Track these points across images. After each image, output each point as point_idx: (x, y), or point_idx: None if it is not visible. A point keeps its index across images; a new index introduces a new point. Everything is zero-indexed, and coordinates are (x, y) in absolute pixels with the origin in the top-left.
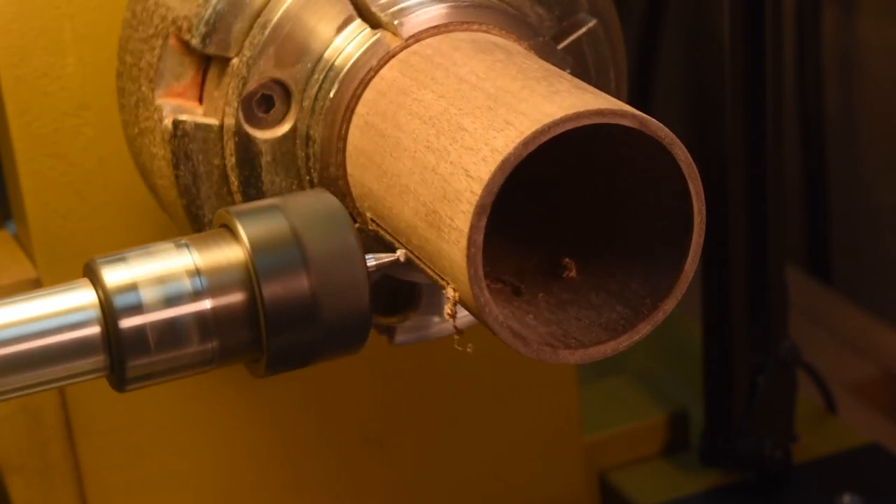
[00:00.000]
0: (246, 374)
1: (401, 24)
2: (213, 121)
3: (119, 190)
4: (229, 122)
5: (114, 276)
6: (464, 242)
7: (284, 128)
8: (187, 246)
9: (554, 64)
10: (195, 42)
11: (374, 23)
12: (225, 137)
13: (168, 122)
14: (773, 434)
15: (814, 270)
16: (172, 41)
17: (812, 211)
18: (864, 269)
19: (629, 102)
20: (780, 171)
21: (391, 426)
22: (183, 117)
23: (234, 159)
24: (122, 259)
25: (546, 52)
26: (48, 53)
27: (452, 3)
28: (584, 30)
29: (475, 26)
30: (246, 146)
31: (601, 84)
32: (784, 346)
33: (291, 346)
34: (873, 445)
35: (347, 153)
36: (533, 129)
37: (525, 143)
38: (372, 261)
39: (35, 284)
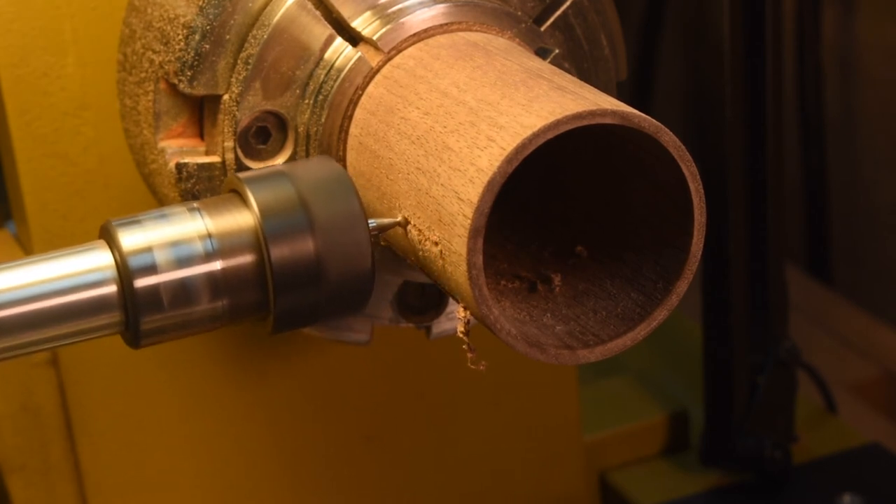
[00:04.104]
0: (246, 372)
1: (380, 38)
2: (214, 159)
3: (119, 190)
4: (230, 157)
5: (129, 238)
6: (464, 266)
7: (284, 156)
8: (199, 210)
9: (539, 48)
10: (183, 86)
11: (354, 39)
12: (228, 174)
13: (171, 165)
14: (773, 434)
15: (814, 270)
16: (163, 85)
17: (812, 211)
18: (864, 269)
19: (629, 103)
20: (780, 171)
21: (392, 425)
22: (185, 160)
23: None
24: (137, 222)
25: (530, 37)
26: (48, 53)
27: (430, 7)
28: (567, 4)
29: (454, 26)
30: None
31: (594, 52)
32: (784, 346)
33: (297, 306)
34: (873, 445)
35: (349, 175)
36: (514, 144)
37: (508, 160)
38: (373, 224)
39: None
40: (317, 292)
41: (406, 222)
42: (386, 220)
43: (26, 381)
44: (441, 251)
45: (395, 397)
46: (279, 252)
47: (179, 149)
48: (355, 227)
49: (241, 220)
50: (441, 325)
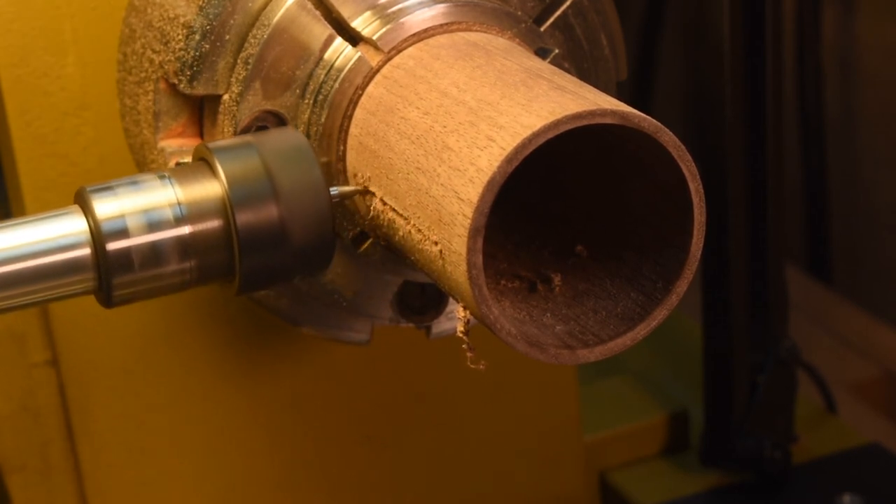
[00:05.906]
0: (246, 372)
1: (380, 37)
2: None
3: None
4: None
5: (103, 204)
6: (464, 266)
7: None
8: (169, 178)
9: (539, 47)
10: (183, 86)
11: (354, 39)
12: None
13: (171, 165)
14: (773, 434)
15: (814, 270)
16: (163, 85)
17: (812, 211)
18: (864, 269)
19: (629, 103)
20: (780, 171)
21: (392, 425)
22: (185, 159)
23: None
24: (110, 188)
25: (530, 37)
26: (48, 53)
27: (430, 7)
28: (567, 4)
29: (454, 26)
30: None
31: (594, 52)
32: (784, 346)
33: (262, 268)
34: (873, 445)
35: (348, 174)
36: (514, 144)
37: (508, 160)
38: (335, 191)
39: None
40: (280, 255)
41: (367, 190)
42: (347, 188)
43: (26, 381)
44: (441, 251)
45: (395, 397)
46: (245, 218)
47: (179, 148)
48: (317, 194)
49: (209, 188)
50: (441, 325)
